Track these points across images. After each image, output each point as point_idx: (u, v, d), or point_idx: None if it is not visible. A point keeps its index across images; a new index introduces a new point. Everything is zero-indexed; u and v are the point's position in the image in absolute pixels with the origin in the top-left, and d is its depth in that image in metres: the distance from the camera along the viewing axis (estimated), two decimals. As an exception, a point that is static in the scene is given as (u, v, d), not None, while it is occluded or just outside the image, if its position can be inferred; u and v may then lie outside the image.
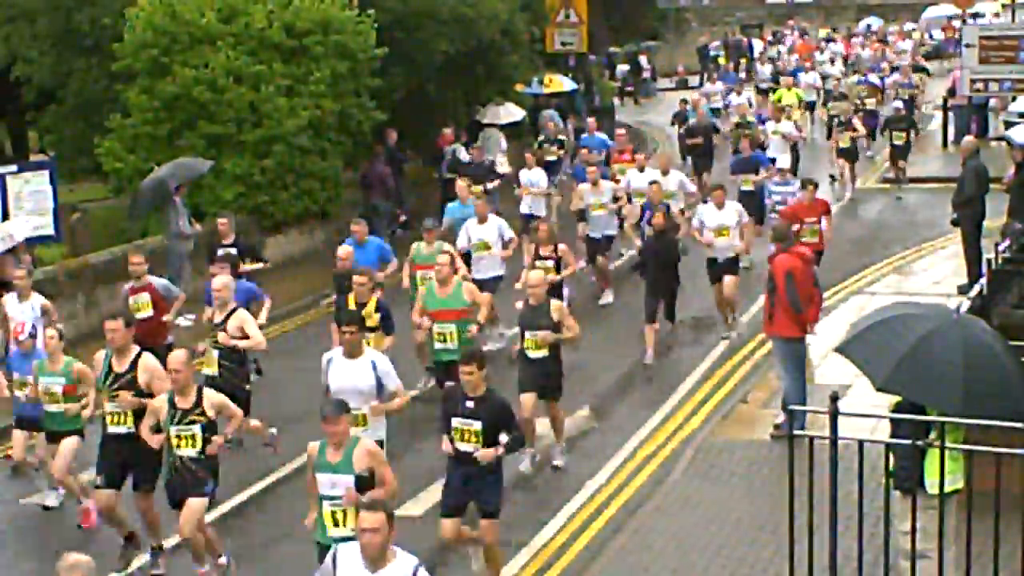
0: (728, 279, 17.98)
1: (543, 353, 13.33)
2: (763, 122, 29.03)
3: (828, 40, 52.42)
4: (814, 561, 8.98)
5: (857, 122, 28.98)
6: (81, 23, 25.52)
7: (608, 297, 20.65)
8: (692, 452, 14.02)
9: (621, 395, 16.53)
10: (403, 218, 26.31)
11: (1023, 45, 25.12)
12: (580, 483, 13.54)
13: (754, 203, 21.33)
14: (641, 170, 21.74)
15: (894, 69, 39.54)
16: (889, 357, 8.97)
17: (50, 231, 20.04)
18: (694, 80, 50.02)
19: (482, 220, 17.89)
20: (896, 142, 28.63)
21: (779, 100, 32.60)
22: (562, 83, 34.80)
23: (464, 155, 27.74)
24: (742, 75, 47.29)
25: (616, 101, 41.70)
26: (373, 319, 13.68)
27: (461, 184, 20.34)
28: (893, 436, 9.31)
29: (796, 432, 9.27)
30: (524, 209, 22.73)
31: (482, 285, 16.51)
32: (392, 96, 26.26)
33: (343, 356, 11.08)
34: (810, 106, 36.49)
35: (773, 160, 24.49)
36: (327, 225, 25.60)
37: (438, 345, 14.14)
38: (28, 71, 26.66)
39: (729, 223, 18.10)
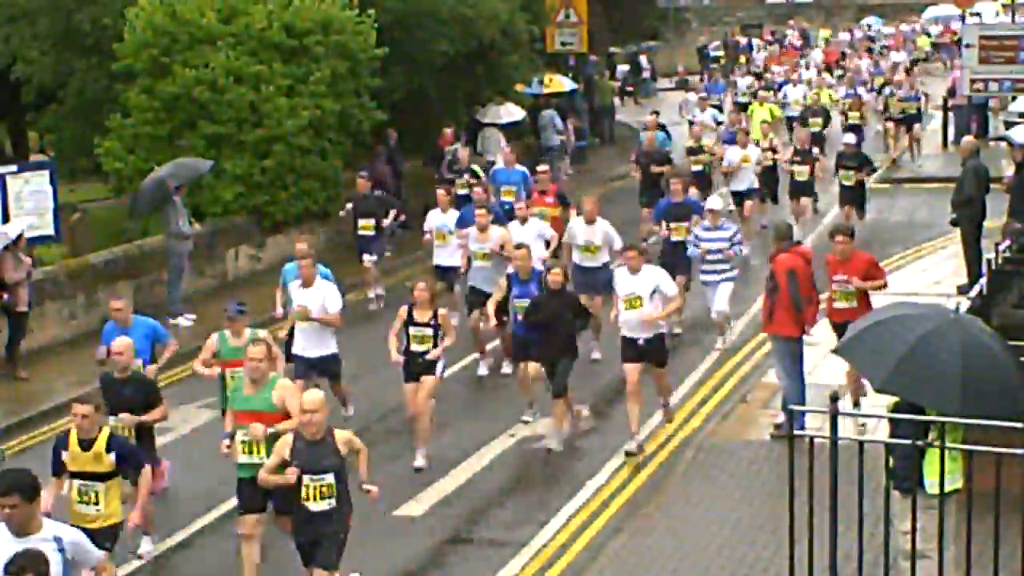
0: (631, 368, 14.21)
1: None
2: (731, 143, 25.31)
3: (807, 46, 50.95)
4: (814, 561, 8.98)
5: (817, 156, 24.01)
6: (81, 23, 25.50)
7: (483, 369, 17.32)
8: (692, 452, 14.02)
9: (621, 395, 16.50)
10: (402, 218, 26.29)
11: (1023, 45, 25.11)
12: (580, 483, 13.54)
13: (684, 258, 17.99)
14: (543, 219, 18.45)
15: (884, 84, 35.32)
16: (887, 358, 8.97)
17: (50, 231, 20.04)
18: (694, 80, 50.02)
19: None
20: (845, 183, 23.22)
21: (751, 115, 29.75)
22: (562, 83, 34.81)
23: (464, 155, 27.76)
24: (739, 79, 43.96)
25: (616, 101, 41.64)
26: (105, 462, 10.35)
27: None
28: (892, 436, 9.31)
29: (796, 432, 9.27)
30: (439, 260, 18.78)
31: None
32: (392, 96, 26.26)
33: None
34: (790, 122, 32.21)
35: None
36: (327, 225, 25.61)
37: (242, 458, 11.19)
38: (28, 71, 26.64)
39: (643, 292, 14.11)
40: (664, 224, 18.47)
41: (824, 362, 16.21)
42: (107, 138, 23.98)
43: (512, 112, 30.49)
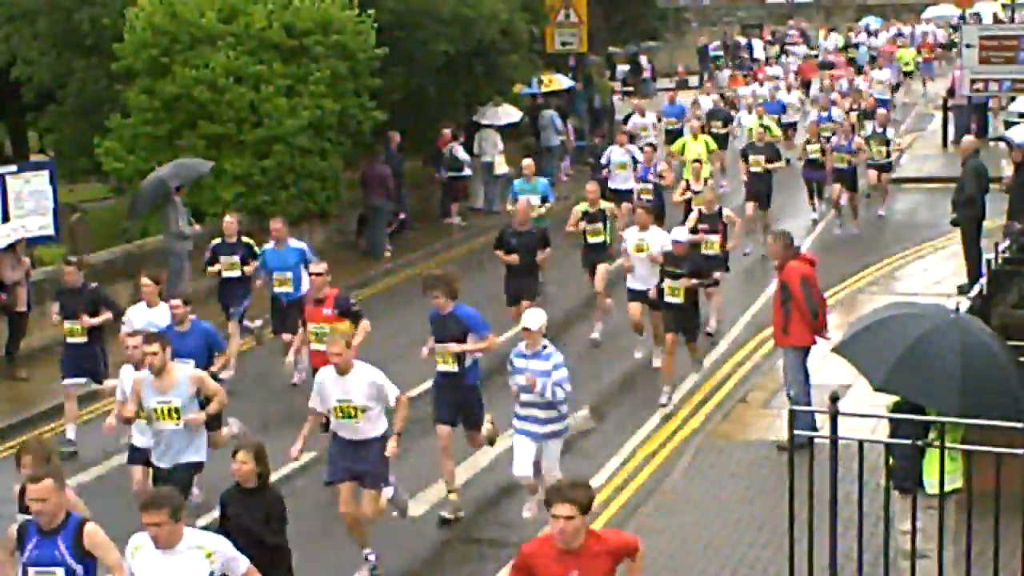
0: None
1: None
2: (656, 193, 22.33)
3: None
4: (814, 561, 8.98)
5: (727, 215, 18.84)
6: (81, 23, 25.50)
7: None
8: (692, 452, 14.03)
9: (621, 395, 16.54)
10: (402, 217, 26.34)
11: (1023, 45, 25.09)
12: (580, 483, 13.52)
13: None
14: None
15: (852, 110, 31.99)
16: (887, 357, 8.98)
17: (50, 231, 20.03)
18: (694, 80, 50.04)
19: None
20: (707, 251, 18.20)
21: (680, 151, 25.07)
22: (560, 81, 34.80)
23: (462, 154, 27.80)
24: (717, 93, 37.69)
25: (616, 101, 41.63)
26: None
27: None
28: (892, 436, 9.31)
29: (796, 432, 9.27)
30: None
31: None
32: (392, 96, 26.25)
33: None
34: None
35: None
36: (327, 225, 25.62)
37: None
38: (28, 71, 26.66)
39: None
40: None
41: (824, 362, 16.22)
42: (107, 138, 23.97)
43: (510, 113, 30.50)
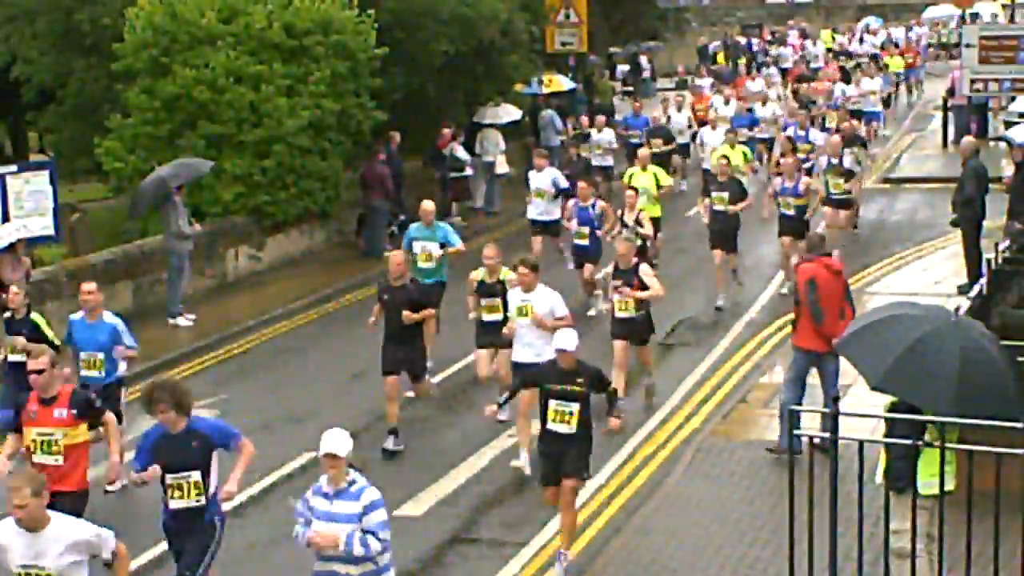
0: None
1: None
2: (591, 237, 19.11)
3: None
4: (814, 561, 8.98)
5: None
6: (81, 23, 25.51)
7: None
8: (692, 452, 14.02)
9: (621, 395, 16.51)
10: (402, 217, 26.34)
11: (1023, 45, 25.09)
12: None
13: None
14: None
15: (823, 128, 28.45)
16: (885, 357, 8.98)
17: (50, 231, 20.03)
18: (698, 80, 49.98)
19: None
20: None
21: (629, 181, 20.87)
22: (561, 83, 34.83)
23: (462, 154, 27.79)
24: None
25: (616, 101, 41.64)
26: None
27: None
28: (888, 436, 9.32)
29: (796, 432, 9.27)
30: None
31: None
32: (392, 96, 26.26)
33: None
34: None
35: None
36: (327, 225, 25.63)
37: None
38: (28, 71, 26.67)
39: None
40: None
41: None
42: (107, 138, 23.98)
43: (511, 112, 30.51)
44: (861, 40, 51.52)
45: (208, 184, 23.15)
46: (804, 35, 54.62)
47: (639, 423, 15.27)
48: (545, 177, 21.51)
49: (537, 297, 13.59)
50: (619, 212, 19.36)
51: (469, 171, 27.91)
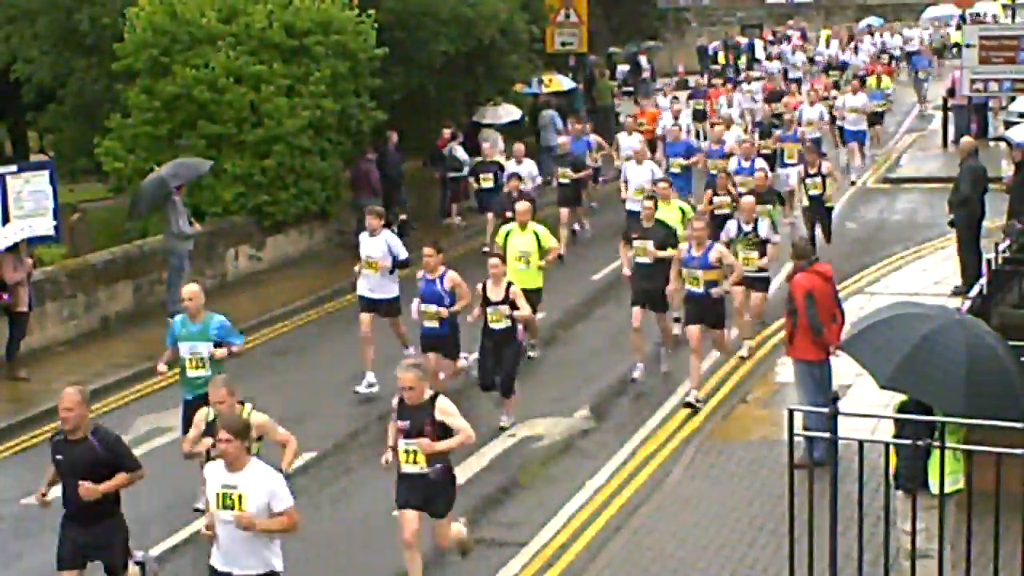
0: None
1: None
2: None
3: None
4: (814, 561, 8.99)
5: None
6: (81, 23, 25.52)
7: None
8: (692, 452, 14.03)
9: (621, 395, 16.52)
10: (403, 217, 26.34)
11: (1023, 45, 25.11)
12: (580, 483, 13.54)
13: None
14: None
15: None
16: (892, 355, 8.98)
17: (50, 231, 20.04)
18: (694, 80, 49.95)
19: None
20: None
21: (504, 243, 17.04)
22: (561, 83, 34.83)
23: (461, 154, 27.78)
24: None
25: (616, 101, 41.64)
26: None
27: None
28: (897, 436, 9.31)
29: (796, 432, 9.27)
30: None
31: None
32: (392, 96, 26.27)
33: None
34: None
35: None
36: (327, 225, 25.63)
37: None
38: (28, 71, 26.68)
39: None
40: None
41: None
42: (107, 138, 23.99)
43: (510, 111, 30.52)
44: (856, 50, 48.79)
45: (208, 184, 23.16)
46: (804, 35, 54.59)
47: (639, 423, 15.27)
48: (378, 243, 16.22)
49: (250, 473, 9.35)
50: (480, 286, 14.95)
51: (468, 171, 27.91)
